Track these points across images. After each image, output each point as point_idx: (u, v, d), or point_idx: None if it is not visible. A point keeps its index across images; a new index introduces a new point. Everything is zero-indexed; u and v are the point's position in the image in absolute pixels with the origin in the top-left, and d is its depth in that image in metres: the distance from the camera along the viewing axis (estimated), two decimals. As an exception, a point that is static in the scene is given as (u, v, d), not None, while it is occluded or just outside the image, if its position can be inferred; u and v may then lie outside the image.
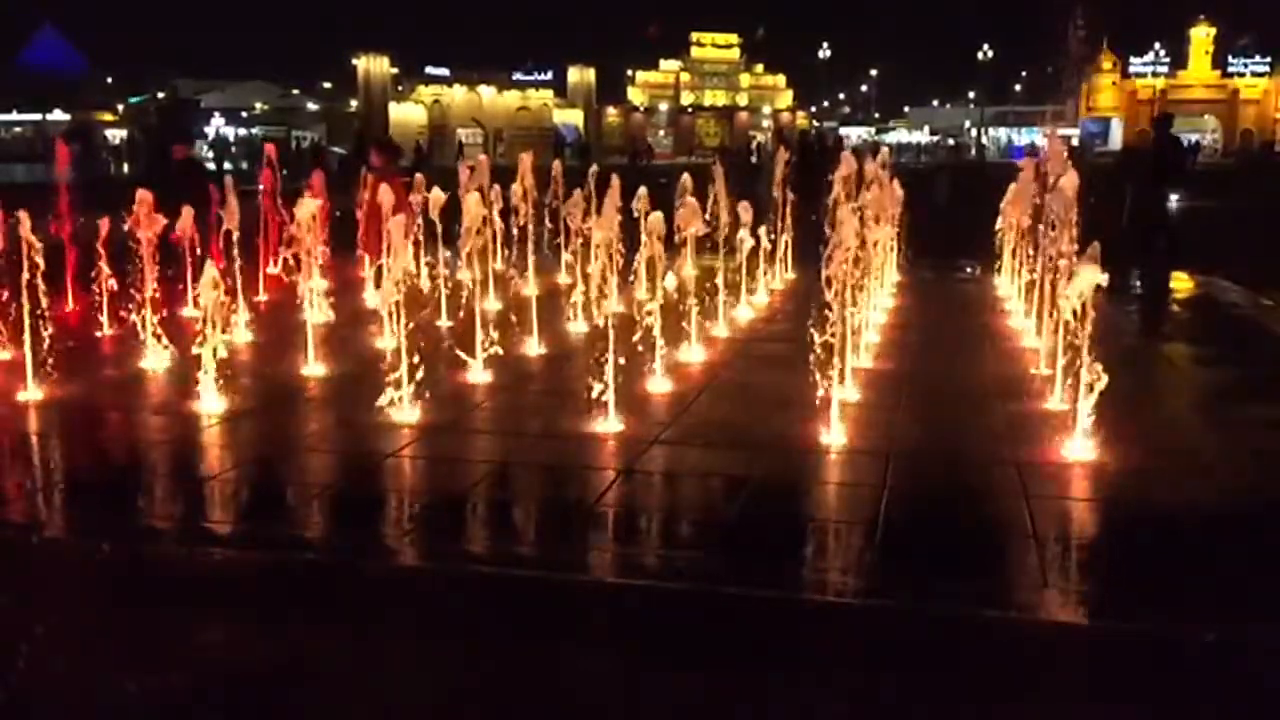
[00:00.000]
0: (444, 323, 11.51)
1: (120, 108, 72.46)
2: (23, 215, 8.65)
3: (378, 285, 12.50)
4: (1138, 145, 15.73)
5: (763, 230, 13.23)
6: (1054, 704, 4.20)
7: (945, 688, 4.29)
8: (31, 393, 8.42)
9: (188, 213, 10.99)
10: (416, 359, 7.84)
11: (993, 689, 4.29)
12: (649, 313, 8.19)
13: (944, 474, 6.78)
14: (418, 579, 5.37)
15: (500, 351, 9.14)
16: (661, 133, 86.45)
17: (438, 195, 12.36)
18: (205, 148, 51.68)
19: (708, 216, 12.11)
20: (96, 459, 7.39)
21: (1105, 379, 6.86)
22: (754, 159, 26.28)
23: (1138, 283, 15.18)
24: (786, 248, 15.09)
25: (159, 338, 9.39)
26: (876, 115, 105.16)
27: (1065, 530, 6.00)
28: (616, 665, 4.45)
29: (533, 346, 10.30)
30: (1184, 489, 6.51)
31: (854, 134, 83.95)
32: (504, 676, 4.40)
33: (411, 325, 8.09)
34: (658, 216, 8.82)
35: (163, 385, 9.11)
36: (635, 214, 9.23)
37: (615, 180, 10.83)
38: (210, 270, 8.09)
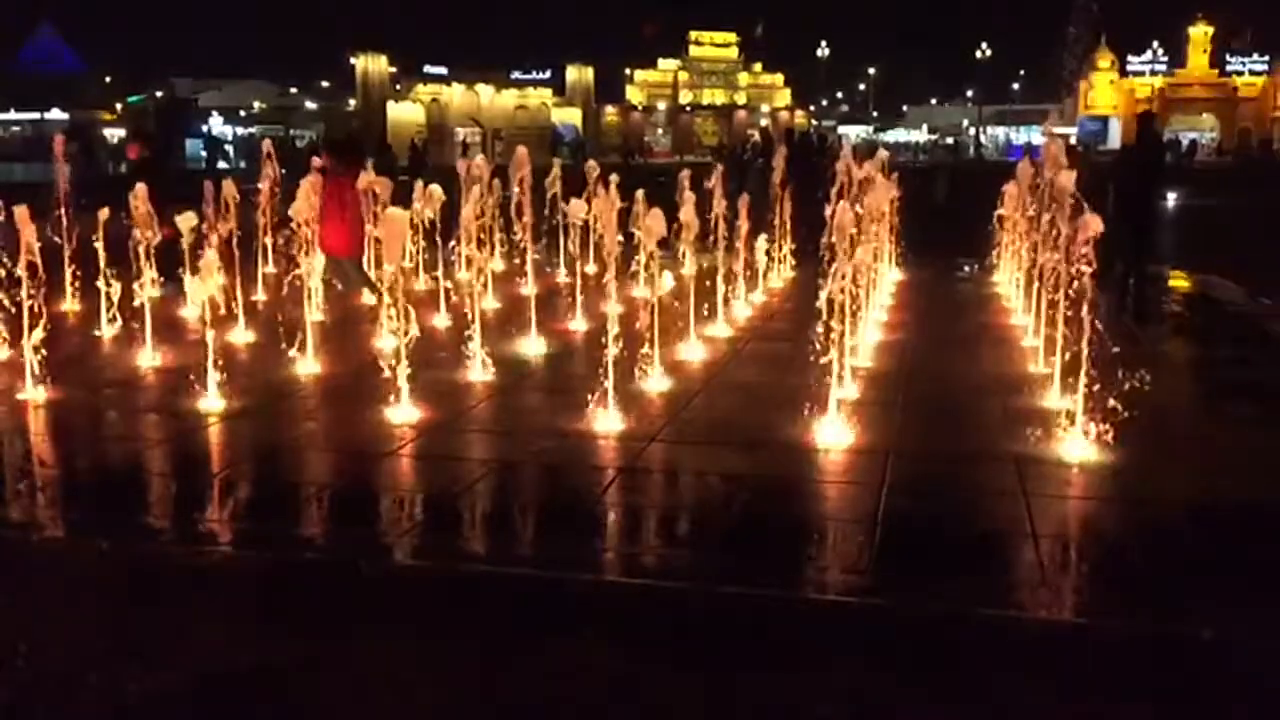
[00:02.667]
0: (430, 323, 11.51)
1: (119, 107, 72.39)
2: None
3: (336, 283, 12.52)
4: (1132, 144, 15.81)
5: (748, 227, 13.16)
6: (1054, 702, 4.19)
7: (945, 686, 4.29)
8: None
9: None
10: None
11: (992, 687, 4.28)
12: (649, 312, 8.21)
13: (943, 472, 6.78)
14: (417, 577, 5.39)
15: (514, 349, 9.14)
16: (660, 131, 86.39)
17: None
18: (201, 147, 51.24)
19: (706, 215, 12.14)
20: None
21: (1103, 378, 6.87)
22: (746, 157, 26.23)
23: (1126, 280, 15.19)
24: (778, 245, 15.09)
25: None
26: (875, 114, 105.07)
27: (1064, 528, 6.00)
28: (616, 664, 4.45)
29: (532, 346, 10.31)
30: (1182, 487, 6.51)
31: (852, 133, 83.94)
32: (502, 675, 4.40)
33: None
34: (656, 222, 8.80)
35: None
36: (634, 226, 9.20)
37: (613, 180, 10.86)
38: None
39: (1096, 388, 6.99)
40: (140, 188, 10.94)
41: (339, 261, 12.47)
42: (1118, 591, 5.08)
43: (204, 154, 49.36)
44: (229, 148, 56.64)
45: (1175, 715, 4.12)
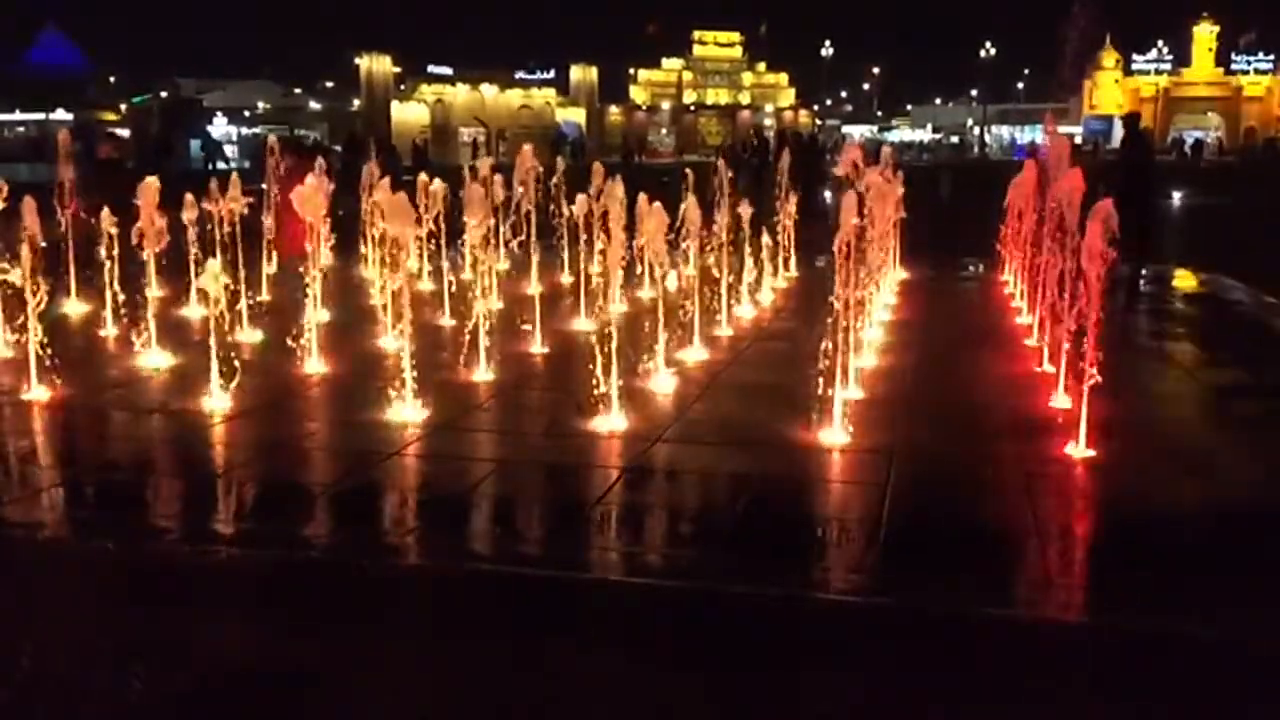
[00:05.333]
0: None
1: (123, 107, 72.45)
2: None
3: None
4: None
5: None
6: (1056, 701, 4.18)
7: (948, 685, 4.27)
8: None
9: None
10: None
11: (995, 686, 4.27)
12: (653, 311, 8.20)
13: (947, 471, 6.76)
14: (420, 577, 5.39)
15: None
16: (664, 131, 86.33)
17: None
18: (198, 147, 50.94)
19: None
20: None
21: (1108, 377, 6.85)
22: (745, 156, 26.32)
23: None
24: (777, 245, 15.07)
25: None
26: (879, 113, 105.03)
27: (1068, 528, 5.99)
28: (618, 664, 4.44)
29: (536, 345, 10.30)
30: (1186, 486, 6.50)
31: (856, 132, 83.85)
32: (505, 675, 4.39)
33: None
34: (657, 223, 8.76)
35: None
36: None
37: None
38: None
39: (1101, 387, 6.97)
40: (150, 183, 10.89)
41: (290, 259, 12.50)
42: (1121, 591, 5.07)
43: (201, 154, 49.07)
44: (227, 148, 56.26)
45: (1177, 715, 4.11)
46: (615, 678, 4.36)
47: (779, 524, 5.95)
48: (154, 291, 11.13)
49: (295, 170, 12.68)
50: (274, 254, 13.70)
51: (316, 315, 9.86)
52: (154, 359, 9.54)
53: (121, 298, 10.59)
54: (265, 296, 12.74)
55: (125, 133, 56.84)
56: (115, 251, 10.62)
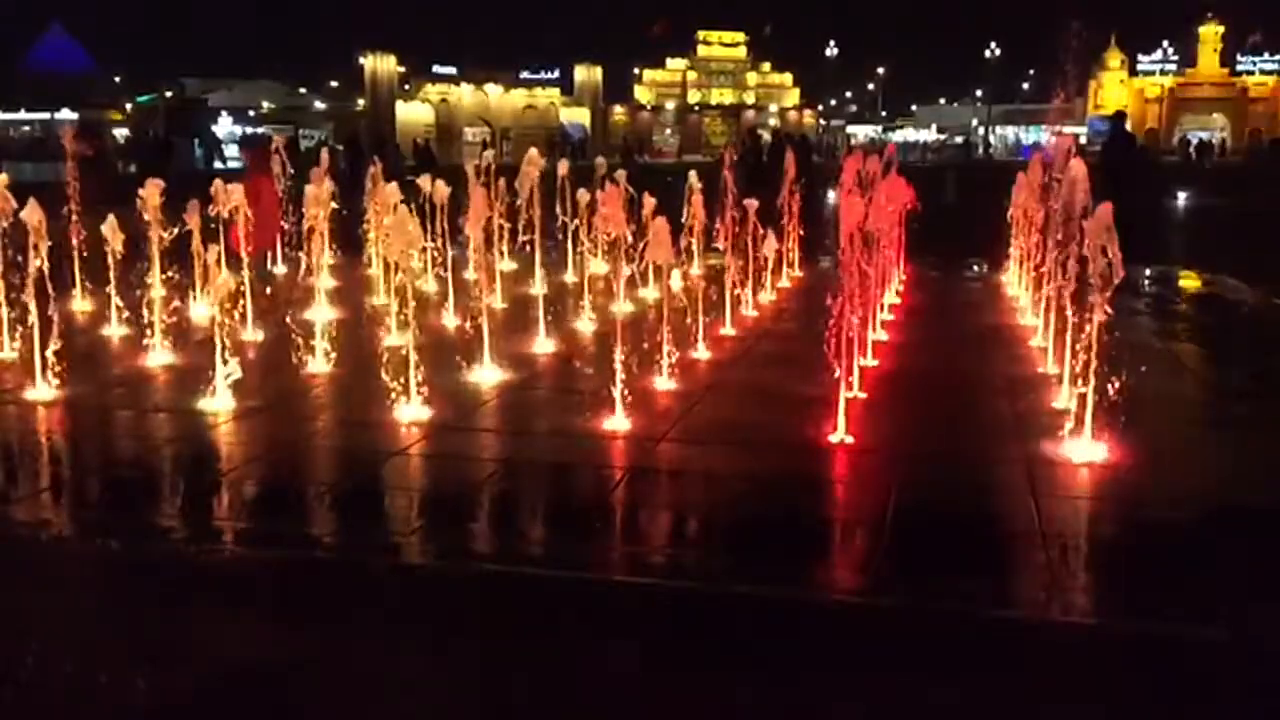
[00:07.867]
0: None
1: (128, 107, 72.57)
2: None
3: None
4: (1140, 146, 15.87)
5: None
6: (1057, 702, 4.17)
7: (952, 686, 4.26)
8: None
9: None
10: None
11: (1000, 687, 4.26)
12: (655, 311, 8.18)
13: (951, 472, 6.74)
14: (423, 577, 5.38)
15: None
16: (668, 131, 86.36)
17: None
18: (198, 145, 50.84)
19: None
20: None
21: (1113, 380, 6.84)
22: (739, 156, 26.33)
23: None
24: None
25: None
26: (884, 114, 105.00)
27: (1073, 529, 5.97)
28: (622, 664, 4.43)
29: (539, 345, 10.29)
30: (1191, 488, 6.47)
31: (861, 132, 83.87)
32: (508, 675, 4.38)
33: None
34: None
35: None
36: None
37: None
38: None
39: (1106, 389, 6.95)
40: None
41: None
42: (1125, 592, 5.06)
43: (199, 153, 49.06)
44: (232, 147, 56.18)
45: (1177, 715, 4.09)
46: (617, 678, 4.34)
47: (784, 525, 5.93)
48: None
49: (256, 168, 12.73)
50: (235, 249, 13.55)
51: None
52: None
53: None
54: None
55: (125, 131, 56.97)
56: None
